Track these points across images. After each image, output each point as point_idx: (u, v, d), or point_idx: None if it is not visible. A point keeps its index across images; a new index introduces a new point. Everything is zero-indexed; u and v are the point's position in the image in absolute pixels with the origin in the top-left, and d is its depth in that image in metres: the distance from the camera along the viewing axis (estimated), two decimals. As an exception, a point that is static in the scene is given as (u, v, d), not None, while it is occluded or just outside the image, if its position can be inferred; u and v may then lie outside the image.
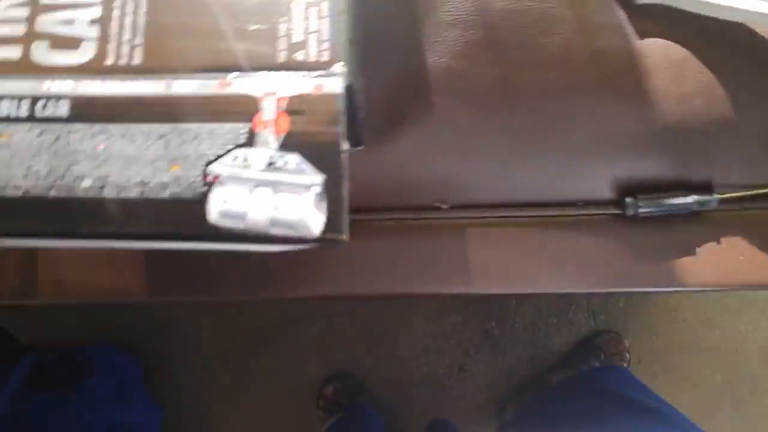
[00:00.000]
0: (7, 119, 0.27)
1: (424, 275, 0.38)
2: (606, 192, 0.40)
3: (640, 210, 0.39)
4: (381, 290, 0.39)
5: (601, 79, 0.39)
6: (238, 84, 0.28)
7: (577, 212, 0.40)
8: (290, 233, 0.27)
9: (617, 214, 0.40)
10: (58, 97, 0.28)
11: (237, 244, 0.28)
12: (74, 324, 1.09)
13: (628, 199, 0.40)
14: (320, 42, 0.28)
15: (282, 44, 0.28)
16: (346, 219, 0.27)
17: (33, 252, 0.37)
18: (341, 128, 0.28)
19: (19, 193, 0.27)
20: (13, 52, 0.28)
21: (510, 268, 0.39)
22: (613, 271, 0.39)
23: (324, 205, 0.27)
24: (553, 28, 0.40)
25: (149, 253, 0.38)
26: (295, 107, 0.28)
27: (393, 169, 0.39)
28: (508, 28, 0.39)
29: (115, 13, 0.29)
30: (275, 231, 0.27)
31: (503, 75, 0.41)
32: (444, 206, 0.40)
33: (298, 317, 1.16)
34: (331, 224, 0.27)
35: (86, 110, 0.28)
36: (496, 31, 0.39)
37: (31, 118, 0.27)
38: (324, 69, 0.28)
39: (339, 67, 0.28)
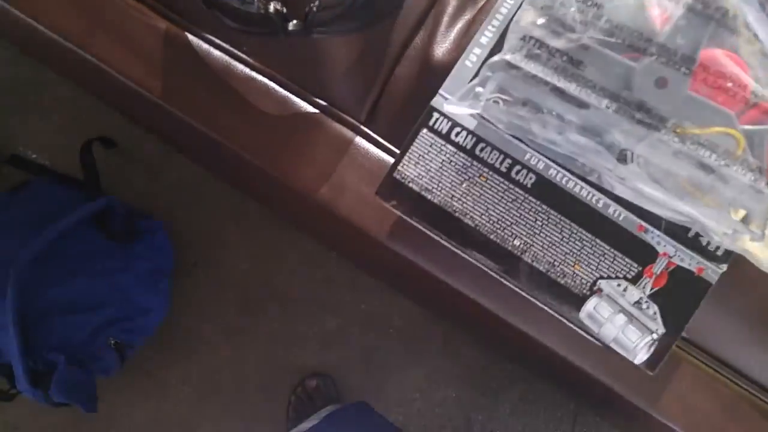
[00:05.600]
0: (491, 167, 0.44)
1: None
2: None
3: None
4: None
5: None
6: (650, 235, 0.44)
7: None
8: (621, 352, 0.44)
9: None
10: (530, 170, 0.44)
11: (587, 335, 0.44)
12: (142, 193, 1.25)
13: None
14: (725, 236, 0.45)
15: (698, 227, 0.45)
16: (660, 365, 0.43)
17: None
18: (693, 313, 0.44)
19: (473, 224, 0.44)
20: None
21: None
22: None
23: (652, 349, 0.44)
24: None
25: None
26: (675, 274, 0.44)
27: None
28: None
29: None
30: (613, 345, 0.44)
31: None
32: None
33: (325, 304, 1.33)
34: (649, 363, 0.44)
35: (543, 190, 0.44)
36: None
37: (506, 175, 0.44)
38: (714, 261, 0.45)
39: (724, 267, 0.45)
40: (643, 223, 0.44)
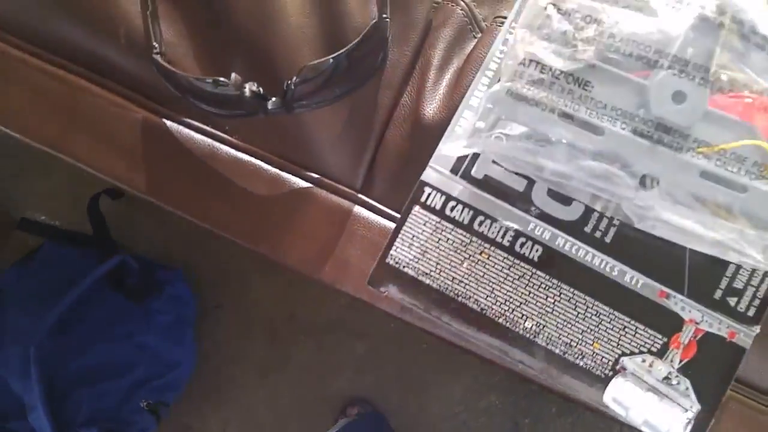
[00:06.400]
0: (492, 242, 0.41)
1: None
2: None
3: None
4: None
5: None
6: (673, 301, 0.41)
7: None
8: (652, 436, 0.41)
9: None
10: (535, 242, 0.41)
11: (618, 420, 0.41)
12: (156, 239, 1.26)
13: None
14: (754, 298, 0.41)
15: (723, 284, 0.41)
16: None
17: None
18: (729, 384, 0.41)
19: (478, 308, 0.41)
20: (519, 185, 0.42)
21: None
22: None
23: (689, 428, 0.41)
24: None
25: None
26: (705, 342, 0.41)
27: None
28: None
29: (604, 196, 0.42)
30: (644, 429, 0.41)
31: None
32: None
33: (353, 328, 1.32)
34: (685, 444, 0.41)
35: (551, 263, 0.41)
36: None
37: (509, 250, 0.41)
38: (745, 323, 0.41)
39: (757, 329, 0.41)
40: (664, 288, 0.41)
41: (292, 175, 0.49)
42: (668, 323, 0.41)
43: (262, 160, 0.49)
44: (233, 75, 0.41)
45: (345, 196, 0.49)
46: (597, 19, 0.34)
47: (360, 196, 0.49)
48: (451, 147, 0.39)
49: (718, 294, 0.41)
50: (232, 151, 0.49)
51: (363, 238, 0.48)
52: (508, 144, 0.36)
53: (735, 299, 0.41)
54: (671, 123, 0.34)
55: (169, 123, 0.49)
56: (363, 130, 0.48)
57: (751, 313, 0.41)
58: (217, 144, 0.49)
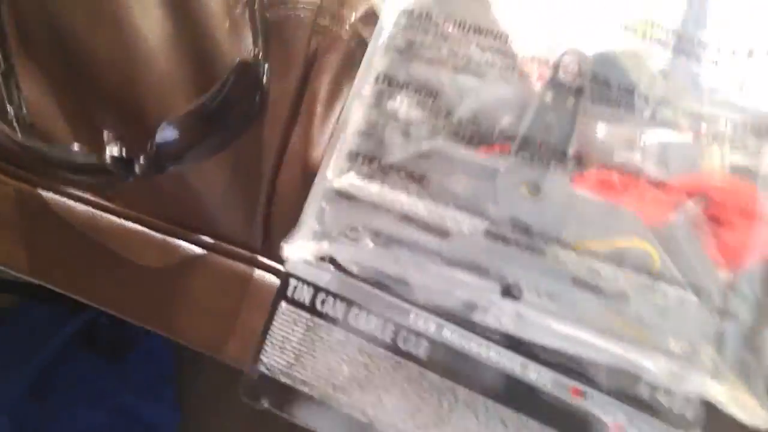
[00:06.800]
0: (372, 339, 0.36)
1: None
2: None
3: None
4: None
5: None
6: (591, 401, 0.35)
7: None
8: None
9: None
10: (419, 335, 0.36)
11: None
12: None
13: None
14: (671, 378, 0.34)
15: (648, 377, 0.35)
16: None
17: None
18: None
19: (366, 420, 0.35)
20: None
21: None
22: None
23: None
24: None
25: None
26: (636, 449, 0.34)
27: None
28: None
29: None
30: None
31: None
32: None
33: None
34: None
35: (441, 360, 0.35)
36: None
37: (392, 347, 0.36)
38: (681, 426, 0.34)
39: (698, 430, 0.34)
40: (578, 385, 0.35)
41: (183, 240, 0.45)
42: (588, 429, 0.35)
43: (148, 227, 0.45)
44: (105, 133, 0.37)
45: (243, 259, 0.44)
46: (434, 92, 0.29)
47: (260, 258, 0.44)
48: (296, 249, 0.34)
49: (645, 391, 0.35)
50: (116, 219, 0.46)
51: (268, 306, 0.44)
52: (353, 247, 0.31)
53: (668, 398, 0.35)
54: (528, 221, 0.28)
55: (44, 193, 0.46)
56: (252, 181, 0.44)
57: (689, 414, 0.34)
58: (98, 213, 0.46)
